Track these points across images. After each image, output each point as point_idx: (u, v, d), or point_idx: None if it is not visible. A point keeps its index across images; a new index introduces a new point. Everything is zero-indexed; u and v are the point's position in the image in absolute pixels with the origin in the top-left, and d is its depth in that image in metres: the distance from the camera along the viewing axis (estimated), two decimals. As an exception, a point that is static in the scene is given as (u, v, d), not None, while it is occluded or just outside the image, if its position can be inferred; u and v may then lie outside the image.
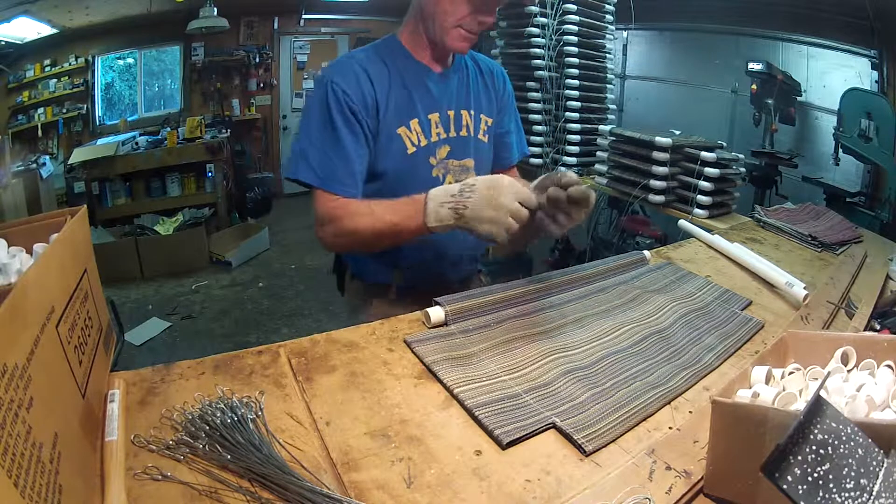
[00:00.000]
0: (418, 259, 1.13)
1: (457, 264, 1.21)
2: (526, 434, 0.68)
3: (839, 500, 0.45)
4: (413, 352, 0.84)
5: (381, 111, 1.02)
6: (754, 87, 3.02)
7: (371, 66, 1.03)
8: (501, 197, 0.82)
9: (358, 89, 1.00)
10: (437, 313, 0.91)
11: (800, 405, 0.61)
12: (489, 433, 0.68)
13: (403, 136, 1.05)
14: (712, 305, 1.07)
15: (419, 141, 1.07)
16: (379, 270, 1.16)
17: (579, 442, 0.66)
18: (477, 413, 0.70)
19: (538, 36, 2.54)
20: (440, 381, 0.77)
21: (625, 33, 4.29)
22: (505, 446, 0.66)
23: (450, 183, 1.08)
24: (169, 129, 4.54)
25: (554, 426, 0.70)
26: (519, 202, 0.82)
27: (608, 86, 2.78)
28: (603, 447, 0.67)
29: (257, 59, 5.24)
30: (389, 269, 1.16)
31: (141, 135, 4.49)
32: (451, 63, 1.12)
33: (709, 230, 1.56)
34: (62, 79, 4.39)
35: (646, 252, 1.28)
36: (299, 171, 1.00)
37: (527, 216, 0.84)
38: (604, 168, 2.36)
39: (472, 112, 1.14)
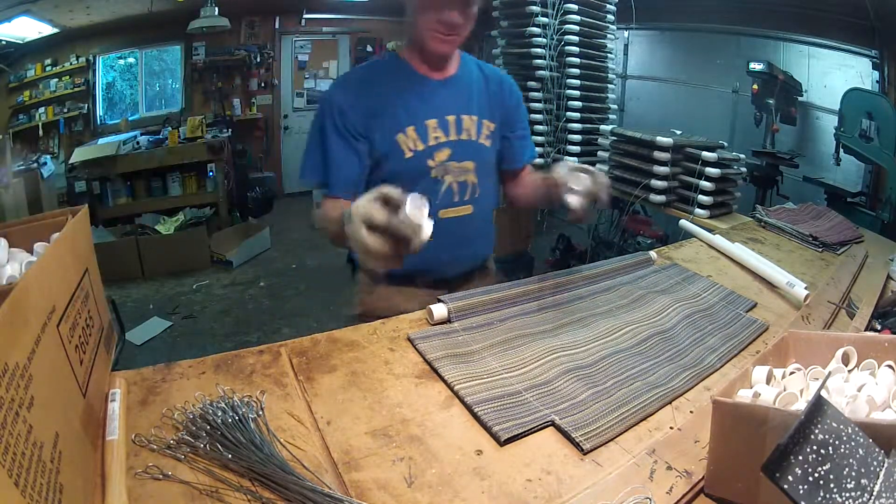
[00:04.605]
0: (422, 254, 1.17)
1: (458, 258, 1.25)
2: (524, 431, 0.68)
3: (840, 499, 0.45)
4: (416, 348, 0.85)
5: (375, 123, 1.12)
6: (755, 86, 3.02)
7: (369, 83, 1.15)
8: (352, 228, 0.78)
9: (353, 105, 1.11)
10: (439, 310, 0.92)
11: (801, 405, 0.61)
12: (488, 430, 0.68)
13: (401, 142, 1.13)
14: (717, 307, 1.07)
15: (415, 146, 1.14)
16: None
17: (577, 440, 0.67)
18: (476, 410, 0.70)
19: (539, 35, 2.54)
20: (441, 378, 0.78)
21: (626, 33, 4.28)
22: (503, 443, 0.66)
23: (451, 184, 1.17)
24: (170, 128, 4.54)
25: (553, 424, 0.70)
26: (367, 225, 0.76)
27: (609, 85, 2.78)
28: (601, 445, 0.67)
29: (258, 59, 5.23)
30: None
31: (142, 134, 4.49)
32: (455, 71, 1.20)
33: (710, 230, 1.56)
34: (63, 78, 4.39)
35: (652, 253, 1.27)
36: (303, 173, 1.14)
37: (374, 241, 0.76)
38: (605, 168, 2.35)
39: (476, 117, 1.20)
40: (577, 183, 1.02)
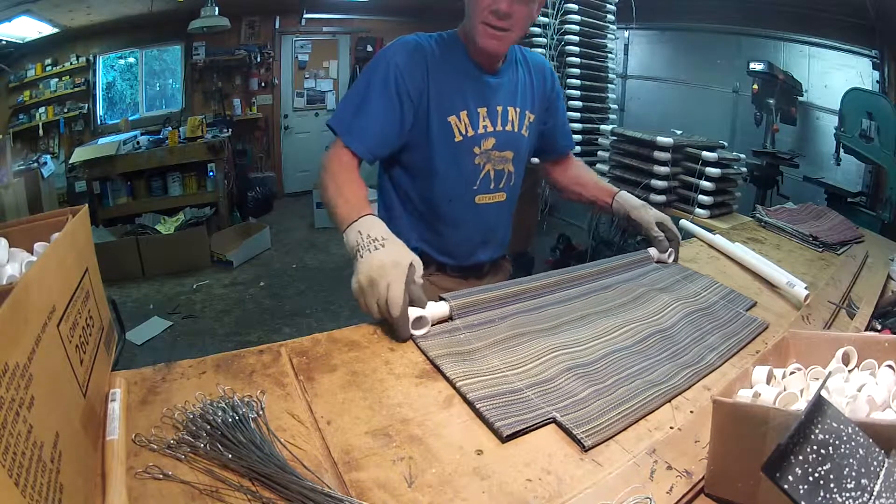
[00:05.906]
0: (454, 238, 1.24)
1: (487, 243, 1.31)
2: (526, 427, 0.68)
3: (840, 499, 0.45)
4: (418, 346, 0.85)
5: (431, 98, 1.12)
6: (755, 86, 3.02)
7: (433, 57, 1.13)
8: (381, 278, 0.85)
9: (413, 72, 1.10)
10: (441, 308, 0.92)
11: (801, 405, 0.61)
12: (490, 426, 0.68)
13: (453, 124, 1.15)
14: (717, 305, 1.07)
15: (466, 131, 1.16)
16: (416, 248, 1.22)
17: (578, 437, 0.67)
18: (478, 406, 0.71)
19: (540, 35, 2.54)
20: (443, 376, 0.78)
21: (626, 33, 4.29)
22: (504, 439, 0.66)
23: (489, 171, 1.21)
24: (170, 128, 4.54)
25: (554, 421, 0.70)
26: (387, 298, 0.85)
27: (609, 85, 2.78)
28: (602, 443, 0.67)
29: (258, 59, 5.24)
30: (425, 246, 1.24)
31: (142, 134, 4.49)
32: (504, 62, 1.21)
33: (710, 230, 1.56)
34: (63, 78, 4.39)
35: (651, 250, 1.27)
36: (332, 118, 1.12)
37: (378, 312, 0.87)
38: (605, 168, 2.35)
39: (518, 109, 1.23)
40: (663, 245, 1.25)
